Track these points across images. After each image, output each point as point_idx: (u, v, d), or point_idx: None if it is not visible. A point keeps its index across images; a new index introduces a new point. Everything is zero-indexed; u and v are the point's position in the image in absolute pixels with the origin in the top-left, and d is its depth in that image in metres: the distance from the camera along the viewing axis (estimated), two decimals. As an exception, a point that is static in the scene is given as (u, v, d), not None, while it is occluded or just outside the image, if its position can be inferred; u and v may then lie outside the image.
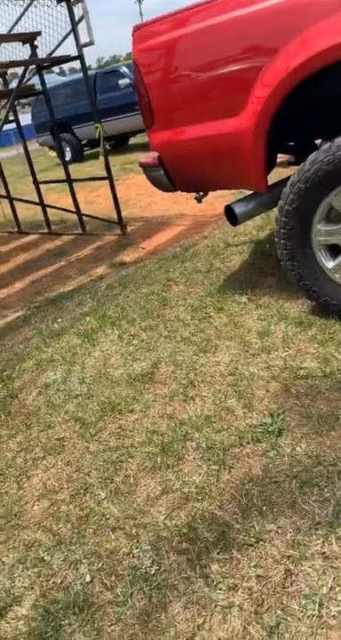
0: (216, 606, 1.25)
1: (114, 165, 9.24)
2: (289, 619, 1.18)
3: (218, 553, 1.38)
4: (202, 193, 3.01)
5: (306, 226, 2.17)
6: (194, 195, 2.98)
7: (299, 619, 1.18)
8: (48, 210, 5.72)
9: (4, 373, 2.63)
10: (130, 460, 1.80)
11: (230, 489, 1.58)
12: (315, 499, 1.47)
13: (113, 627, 1.26)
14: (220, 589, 1.28)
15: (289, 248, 2.24)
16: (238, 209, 2.48)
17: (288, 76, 2.01)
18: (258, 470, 1.62)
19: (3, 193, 5.92)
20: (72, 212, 5.39)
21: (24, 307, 3.65)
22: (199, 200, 3.07)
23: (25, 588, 1.41)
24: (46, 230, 5.82)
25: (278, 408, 1.87)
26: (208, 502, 1.55)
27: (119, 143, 12.25)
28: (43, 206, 5.68)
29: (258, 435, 1.76)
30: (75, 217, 5.44)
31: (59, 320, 3.20)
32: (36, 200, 5.66)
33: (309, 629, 1.15)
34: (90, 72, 12.56)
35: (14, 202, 5.88)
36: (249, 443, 1.74)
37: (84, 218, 5.36)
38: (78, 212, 5.31)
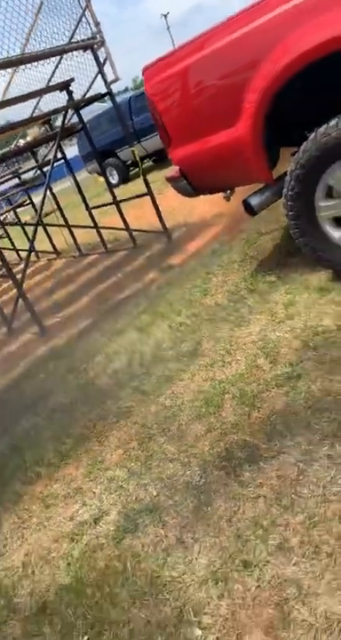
0: (247, 498, 1.68)
1: (158, 180, 9.85)
2: (299, 499, 1.59)
3: (248, 465, 1.80)
4: (229, 192, 3.44)
5: (310, 205, 2.53)
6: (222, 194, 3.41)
7: (307, 499, 1.58)
8: (103, 231, 6.39)
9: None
10: (181, 413, 2.27)
11: (258, 422, 1.99)
12: (325, 420, 1.85)
13: (173, 520, 1.73)
14: (250, 487, 1.71)
15: (299, 227, 2.61)
16: (253, 201, 2.87)
17: (276, 76, 2.36)
18: (281, 406, 2.02)
19: (63, 223, 6.69)
20: (122, 229, 6.01)
21: (90, 317, 4.27)
22: (227, 198, 3.50)
23: (110, 504, 1.93)
24: (103, 250, 6.50)
25: (298, 359, 2.25)
26: (241, 434, 1.97)
27: (161, 158, 12.86)
28: (97, 229, 6.37)
29: (281, 381, 2.16)
30: (126, 234, 6.05)
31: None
32: (91, 224, 6.36)
33: (315, 503, 1.55)
34: (126, 94, 13.35)
35: (72, 229, 6.64)
36: (273, 388, 2.14)
37: (134, 233, 5.95)
38: (128, 228, 5.91)
